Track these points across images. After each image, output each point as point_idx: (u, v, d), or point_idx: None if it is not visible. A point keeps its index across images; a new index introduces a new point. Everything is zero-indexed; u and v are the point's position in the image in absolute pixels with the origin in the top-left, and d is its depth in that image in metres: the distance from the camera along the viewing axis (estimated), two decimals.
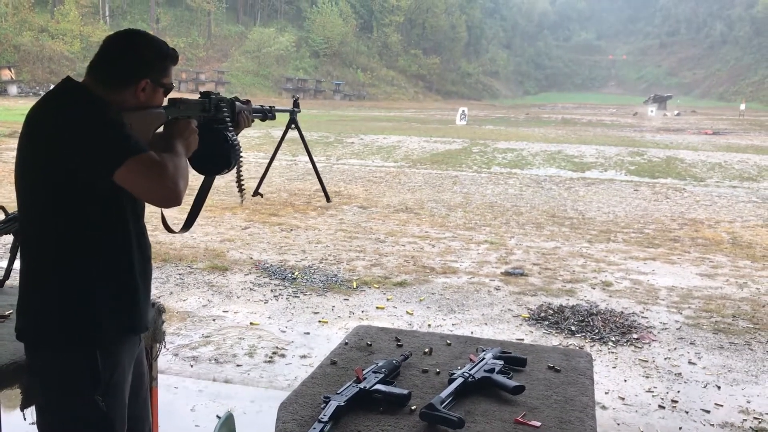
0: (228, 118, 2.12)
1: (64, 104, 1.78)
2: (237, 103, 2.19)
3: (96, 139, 1.71)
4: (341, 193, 11.53)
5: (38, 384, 1.88)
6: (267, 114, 2.41)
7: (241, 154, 2.14)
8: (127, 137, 1.73)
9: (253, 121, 2.31)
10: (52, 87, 1.90)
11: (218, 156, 2.09)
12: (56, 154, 1.72)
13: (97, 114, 1.74)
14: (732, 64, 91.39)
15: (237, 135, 2.16)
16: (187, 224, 2.15)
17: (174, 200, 1.78)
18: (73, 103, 1.77)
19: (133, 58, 1.86)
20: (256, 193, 2.41)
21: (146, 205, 1.93)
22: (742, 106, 47.53)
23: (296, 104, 2.60)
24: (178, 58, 1.98)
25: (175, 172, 1.78)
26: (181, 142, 1.92)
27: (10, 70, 42.39)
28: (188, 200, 2.16)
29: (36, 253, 1.83)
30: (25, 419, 2.25)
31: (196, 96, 2.14)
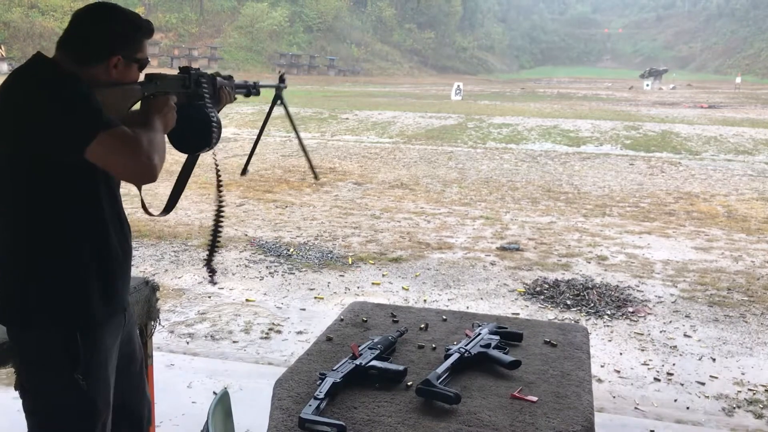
0: (208, 95, 2.06)
1: (34, 79, 1.72)
2: (218, 78, 2.13)
3: (66, 113, 1.65)
4: (336, 170, 11.49)
5: (20, 365, 1.87)
6: (251, 90, 2.34)
7: (219, 133, 2.07)
8: (98, 111, 1.67)
9: (236, 97, 2.24)
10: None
11: (198, 133, 2.03)
12: (26, 130, 1.67)
13: (67, 88, 1.68)
14: (728, 37, 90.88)
15: (219, 111, 2.10)
16: (168, 207, 2.08)
17: (148, 176, 1.72)
18: (42, 78, 1.71)
19: (104, 33, 1.79)
20: (244, 171, 2.36)
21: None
22: (738, 80, 47.31)
23: (282, 79, 2.51)
24: (152, 31, 1.89)
25: (150, 146, 1.72)
26: (159, 118, 1.86)
27: (0, 48, 41.91)
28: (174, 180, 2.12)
29: (10, 233, 1.79)
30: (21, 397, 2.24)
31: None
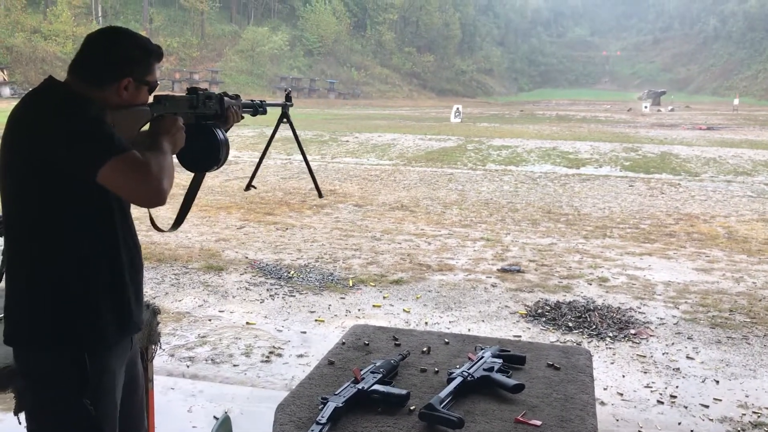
0: (216, 114, 2.09)
1: (46, 103, 1.74)
2: (226, 98, 2.16)
3: (78, 138, 1.67)
4: (336, 192, 11.50)
5: (27, 387, 1.85)
6: (258, 109, 2.37)
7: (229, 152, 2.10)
8: (110, 136, 1.69)
9: (243, 116, 2.27)
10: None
11: (207, 153, 2.06)
12: (39, 153, 1.68)
13: (79, 113, 1.70)
14: (725, 60, 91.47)
15: (227, 131, 2.13)
16: (177, 223, 2.12)
17: (158, 200, 1.73)
18: (55, 102, 1.73)
19: (115, 56, 1.82)
20: (248, 186, 2.36)
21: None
22: (736, 101, 47.51)
23: (288, 98, 2.55)
24: (162, 55, 1.93)
25: (160, 171, 1.73)
26: (167, 139, 1.88)
27: (3, 72, 42.16)
28: (179, 199, 2.13)
29: (22, 254, 1.79)
30: (20, 423, 2.22)
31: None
